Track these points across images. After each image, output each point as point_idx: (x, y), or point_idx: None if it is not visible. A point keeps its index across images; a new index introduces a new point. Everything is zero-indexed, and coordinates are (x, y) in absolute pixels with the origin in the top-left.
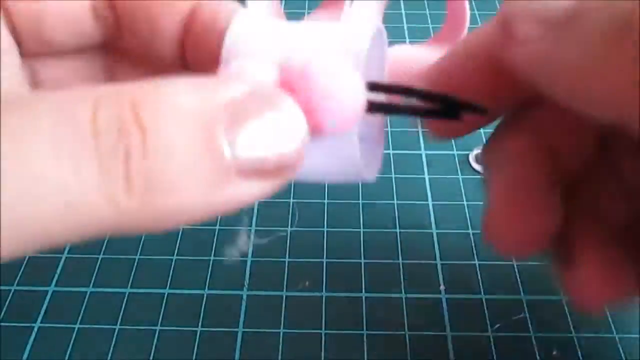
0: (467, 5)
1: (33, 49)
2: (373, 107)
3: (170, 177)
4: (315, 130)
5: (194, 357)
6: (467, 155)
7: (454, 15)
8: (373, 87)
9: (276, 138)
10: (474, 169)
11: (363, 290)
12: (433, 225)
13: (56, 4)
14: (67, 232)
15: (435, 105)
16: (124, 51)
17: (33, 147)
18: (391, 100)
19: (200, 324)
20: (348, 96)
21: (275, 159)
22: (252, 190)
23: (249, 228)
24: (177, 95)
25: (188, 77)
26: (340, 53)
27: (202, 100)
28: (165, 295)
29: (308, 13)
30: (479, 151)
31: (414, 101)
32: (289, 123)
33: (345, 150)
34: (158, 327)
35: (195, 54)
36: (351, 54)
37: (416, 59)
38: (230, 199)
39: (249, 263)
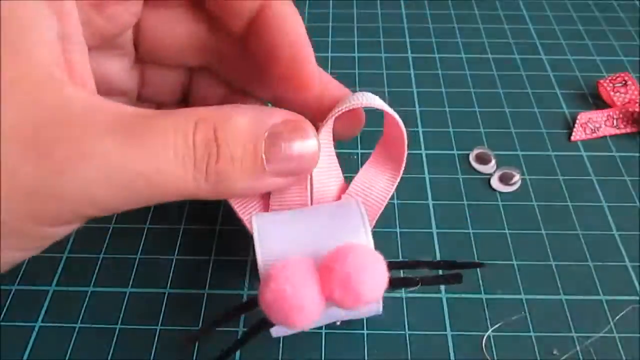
0: (400, 122)
1: (145, 59)
2: (395, 283)
3: (229, 174)
4: (354, 300)
5: (194, 357)
6: (467, 155)
7: (389, 127)
8: (391, 266)
9: (297, 155)
10: (474, 169)
11: None
12: (433, 225)
13: (172, 41)
14: (168, 198)
15: (440, 272)
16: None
17: (162, 155)
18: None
19: (199, 324)
20: (380, 275)
21: (293, 168)
22: (277, 184)
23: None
24: (238, 123)
25: (247, 106)
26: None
27: (254, 125)
28: (165, 295)
29: (308, 14)
30: (479, 151)
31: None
32: (307, 145)
33: (372, 309)
34: (158, 327)
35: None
36: (362, 232)
37: (372, 192)
38: (263, 187)
39: (249, 263)
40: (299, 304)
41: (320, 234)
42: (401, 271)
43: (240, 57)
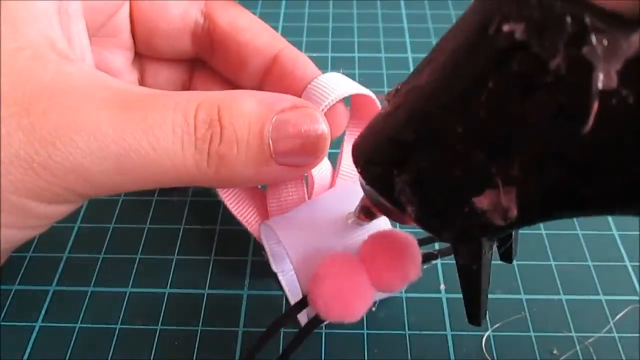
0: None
1: (143, 51)
2: (424, 259)
3: (233, 158)
4: (402, 283)
5: (194, 357)
6: None
7: (358, 101)
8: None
9: (307, 142)
10: None
11: None
12: None
13: (165, 24)
14: (168, 181)
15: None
16: (210, 68)
17: (160, 130)
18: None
19: (200, 323)
20: (417, 254)
21: (302, 156)
22: (284, 174)
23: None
24: (245, 105)
25: (254, 92)
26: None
27: (260, 108)
28: (166, 295)
29: (308, 14)
30: None
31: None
32: (317, 132)
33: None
34: (158, 327)
35: (272, 89)
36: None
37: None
38: (269, 176)
39: (249, 262)
40: (356, 297)
41: (339, 224)
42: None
43: (228, 44)
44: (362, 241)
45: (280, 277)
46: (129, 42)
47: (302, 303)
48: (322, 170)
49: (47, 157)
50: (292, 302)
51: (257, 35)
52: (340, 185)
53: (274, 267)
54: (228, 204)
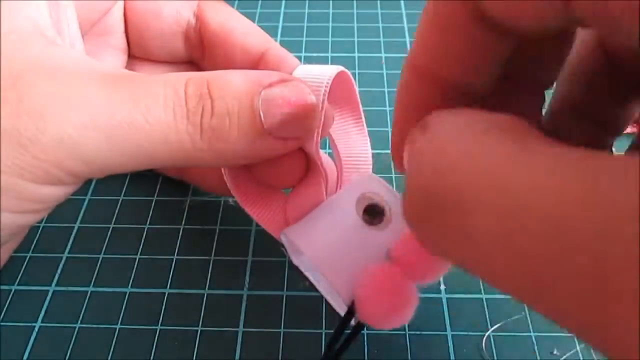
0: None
1: (136, 53)
2: None
3: (226, 131)
4: (441, 274)
5: (194, 357)
6: None
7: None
8: None
9: (296, 113)
10: None
11: None
12: None
13: (158, 25)
14: (163, 157)
15: None
16: (202, 68)
17: (151, 101)
18: None
19: (200, 323)
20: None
21: (292, 127)
22: (277, 147)
23: (250, 227)
24: (233, 80)
25: (242, 70)
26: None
27: (249, 81)
28: (166, 295)
29: (308, 14)
30: None
31: None
32: (305, 103)
33: None
34: (158, 327)
35: None
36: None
37: (355, 152)
38: (262, 149)
39: (249, 262)
40: (406, 308)
41: (362, 225)
42: None
43: (217, 44)
44: (391, 244)
45: (308, 275)
46: (123, 44)
47: (350, 312)
48: (329, 163)
49: (35, 131)
50: (323, 292)
51: (245, 35)
52: (357, 182)
53: (295, 261)
54: (243, 204)
